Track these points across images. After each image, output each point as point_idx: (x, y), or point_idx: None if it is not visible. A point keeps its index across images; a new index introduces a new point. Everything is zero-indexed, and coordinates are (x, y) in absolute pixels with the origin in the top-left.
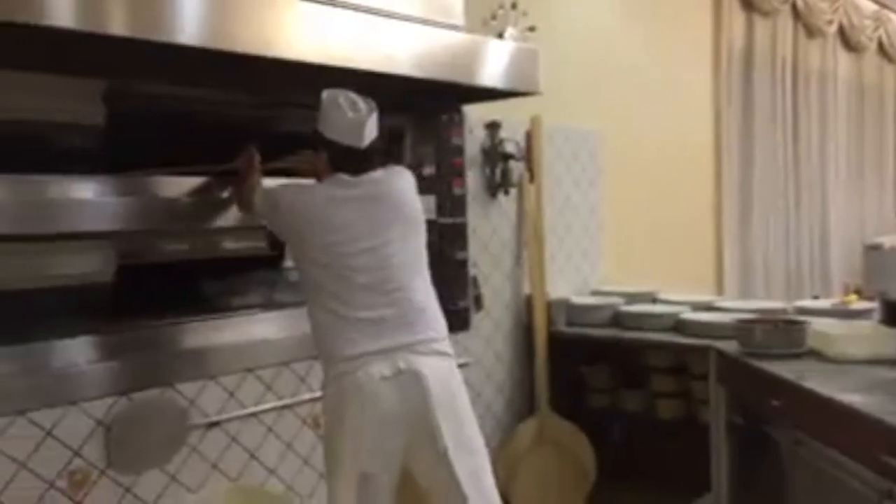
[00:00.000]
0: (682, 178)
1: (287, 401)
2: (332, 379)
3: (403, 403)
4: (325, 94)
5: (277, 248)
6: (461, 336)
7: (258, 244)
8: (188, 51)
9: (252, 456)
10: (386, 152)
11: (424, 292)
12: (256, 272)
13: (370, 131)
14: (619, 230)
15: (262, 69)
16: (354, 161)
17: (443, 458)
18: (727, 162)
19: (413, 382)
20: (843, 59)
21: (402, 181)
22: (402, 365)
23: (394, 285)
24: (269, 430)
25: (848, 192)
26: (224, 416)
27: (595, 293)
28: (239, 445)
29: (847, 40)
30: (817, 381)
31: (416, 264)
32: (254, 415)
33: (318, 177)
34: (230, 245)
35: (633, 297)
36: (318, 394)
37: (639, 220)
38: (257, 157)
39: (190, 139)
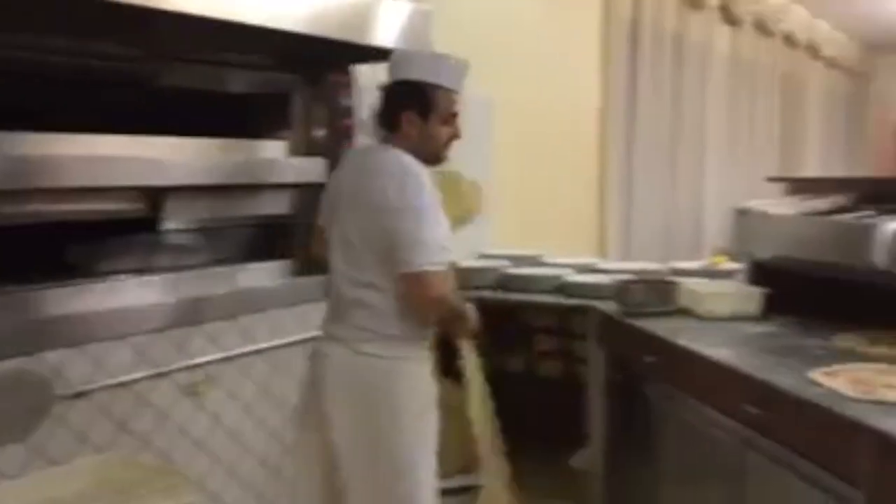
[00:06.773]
0: (570, 147)
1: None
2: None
3: None
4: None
5: None
6: None
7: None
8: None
9: (122, 428)
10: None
11: None
12: (130, 235)
13: None
14: (507, 196)
15: (138, 20)
16: None
17: None
18: (612, 131)
19: None
20: (722, 32)
21: None
22: None
23: None
24: (142, 399)
25: (723, 161)
26: (92, 386)
27: (482, 256)
28: (108, 416)
29: (727, 14)
30: (688, 337)
31: None
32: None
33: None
34: (98, 206)
35: (518, 260)
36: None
37: (527, 186)
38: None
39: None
